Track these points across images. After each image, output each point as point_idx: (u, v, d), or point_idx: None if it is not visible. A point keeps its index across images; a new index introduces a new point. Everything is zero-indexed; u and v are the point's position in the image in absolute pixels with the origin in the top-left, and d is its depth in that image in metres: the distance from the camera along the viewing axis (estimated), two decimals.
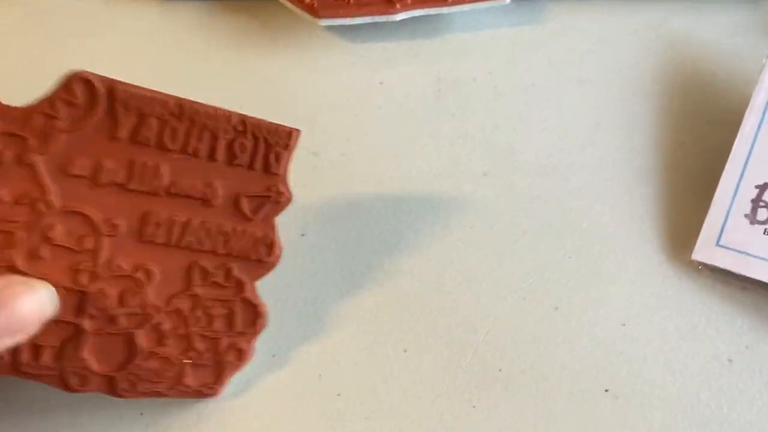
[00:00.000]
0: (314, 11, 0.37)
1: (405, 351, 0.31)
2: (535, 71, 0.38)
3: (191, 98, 0.26)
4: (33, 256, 0.25)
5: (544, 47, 0.38)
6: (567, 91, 0.37)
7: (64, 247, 0.25)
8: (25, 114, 0.25)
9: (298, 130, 0.27)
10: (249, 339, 0.28)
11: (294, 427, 0.29)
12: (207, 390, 0.28)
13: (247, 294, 0.28)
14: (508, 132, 0.36)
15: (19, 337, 0.24)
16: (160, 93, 0.26)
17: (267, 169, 0.27)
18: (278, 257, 0.28)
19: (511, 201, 0.34)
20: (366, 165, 0.36)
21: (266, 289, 0.29)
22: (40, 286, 0.24)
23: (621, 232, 0.32)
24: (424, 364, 0.30)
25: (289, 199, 0.28)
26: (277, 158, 0.27)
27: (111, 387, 0.27)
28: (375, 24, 0.38)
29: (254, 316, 0.28)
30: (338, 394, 0.29)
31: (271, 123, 0.27)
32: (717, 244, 0.31)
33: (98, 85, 0.25)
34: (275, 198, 0.27)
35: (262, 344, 0.30)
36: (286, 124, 0.27)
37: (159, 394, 0.28)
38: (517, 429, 0.28)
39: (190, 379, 0.28)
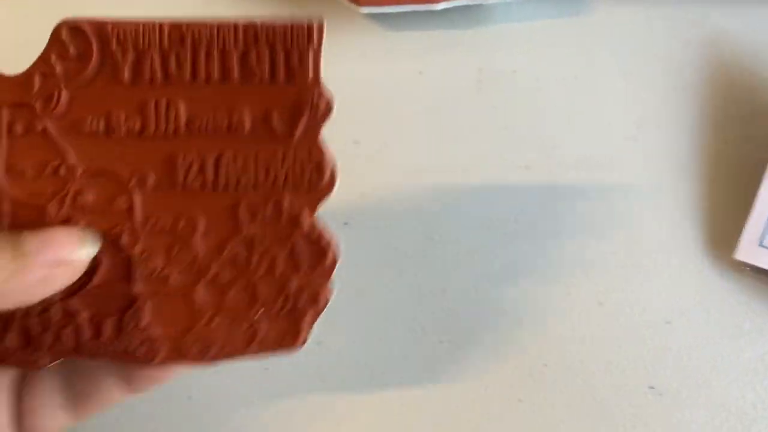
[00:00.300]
0: None
1: (447, 342, 0.31)
2: (577, 64, 0.38)
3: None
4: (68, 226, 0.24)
5: (585, 40, 0.38)
6: (609, 84, 0.37)
7: (96, 212, 0.24)
8: (24, 79, 0.23)
9: (320, 24, 0.24)
10: (322, 278, 0.25)
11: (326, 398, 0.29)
12: (287, 342, 0.25)
13: (306, 227, 0.24)
14: (550, 125, 0.36)
15: (66, 276, 0.23)
16: (153, 21, 0.23)
17: (292, 75, 0.24)
18: (333, 179, 0.24)
19: (553, 195, 0.34)
20: (407, 155, 0.36)
21: None
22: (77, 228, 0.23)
23: (664, 229, 0.32)
24: (468, 355, 0.30)
25: (329, 105, 0.24)
26: (301, 60, 0.23)
27: (181, 354, 0.25)
28: (415, 13, 0.38)
29: (320, 249, 0.24)
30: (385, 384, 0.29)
31: (285, 22, 0.23)
32: (760, 244, 0.31)
33: (86, 29, 0.23)
34: (311, 106, 0.24)
35: None
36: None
37: (236, 355, 0.25)
38: (562, 424, 0.28)
39: (266, 333, 0.25)
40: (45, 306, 0.24)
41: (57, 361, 0.25)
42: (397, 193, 0.34)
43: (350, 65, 0.39)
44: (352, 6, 0.38)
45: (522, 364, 0.29)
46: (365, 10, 0.38)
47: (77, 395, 0.26)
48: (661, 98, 0.37)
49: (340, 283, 0.32)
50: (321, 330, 0.30)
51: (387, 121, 0.37)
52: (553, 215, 0.33)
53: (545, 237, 0.33)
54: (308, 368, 0.31)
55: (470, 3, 0.39)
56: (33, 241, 0.22)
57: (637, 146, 0.35)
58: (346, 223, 0.33)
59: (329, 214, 0.31)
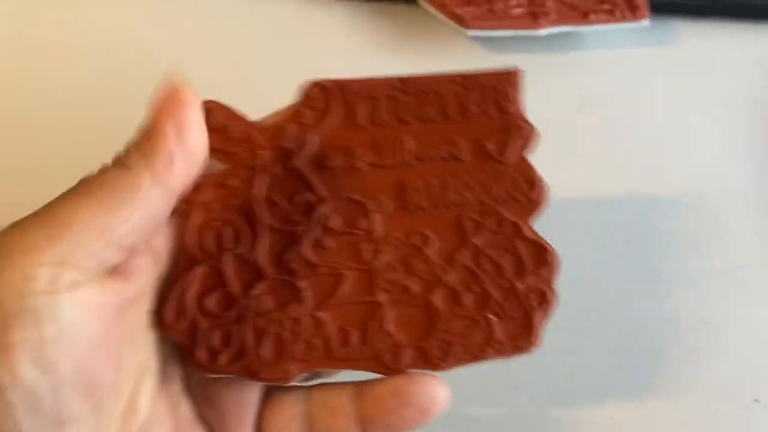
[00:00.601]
0: (464, 22, 0.39)
1: (573, 353, 0.32)
2: (672, 91, 0.40)
3: None
4: (318, 246, 0.27)
5: (679, 69, 0.39)
6: (702, 111, 0.39)
7: (342, 232, 0.27)
8: (280, 126, 0.27)
9: (520, 69, 0.28)
10: (546, 279, 0.27)
11: None
12: (523, 343, 0.27)
13: (526, 234, 0.27)
14: (651, 150, 0.38)
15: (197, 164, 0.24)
16: (382, 77, 0.28)
17: (501, 110, 0.28)
18: (544, 192, 0.27)
19: (659, 217, 0.35)
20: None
21: None
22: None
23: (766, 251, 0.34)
24: (590, 363, 0.32)
25: (532, 130, 0.28)
26: (507, 97, 0.28)
27: (424, 357, 0.27)
28: (519, 37, 0.40)
29: (543, 252, 0.27)
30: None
31: (492, 70, 0.28)
32: None
33: (331, 86, 0.28)
34: (518, 132, 0.28)
35: None
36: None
37: (475, 357, 0.27)
38: None
39: (501, 334, 0.27)
40: (296, 318, 0.26)
41: (305, 373, 0.26)
42: None
43: None
44: (461, 29, 0.40)
45: (631, 375, 0.32)
46: (472, 33, 0.40)
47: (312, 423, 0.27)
48: (754, 124, 0.38)
49: None
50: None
51: None
52: (660, 236, 0.35)
53: (652, 256, 0.34)
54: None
55: (570, 30, 0.41)
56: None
57: (738, 172, 0.37)
58: None
59: None
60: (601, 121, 0.39)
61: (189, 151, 0.23)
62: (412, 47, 0.41)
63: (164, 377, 0.26)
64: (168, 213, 0.23)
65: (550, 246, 0.27)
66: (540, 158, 0.36)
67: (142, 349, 0.25)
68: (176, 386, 0.26)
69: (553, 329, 0.30)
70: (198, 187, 0.26)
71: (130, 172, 0.22)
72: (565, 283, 0.31)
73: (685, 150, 0.38)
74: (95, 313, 0.21)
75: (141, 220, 0.22)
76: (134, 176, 0.22)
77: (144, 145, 0.22)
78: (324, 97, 0.28)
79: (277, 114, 0.28)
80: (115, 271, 0.22)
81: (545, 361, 0.31)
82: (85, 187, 0.22)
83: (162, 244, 0.25)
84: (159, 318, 0.26)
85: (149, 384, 0.25)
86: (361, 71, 0.40)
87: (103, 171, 0.22)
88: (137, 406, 0.24)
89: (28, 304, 0.20)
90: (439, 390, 0.25)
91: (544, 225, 0.33)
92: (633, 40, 0.41)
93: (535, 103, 0.38)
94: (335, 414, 0.26)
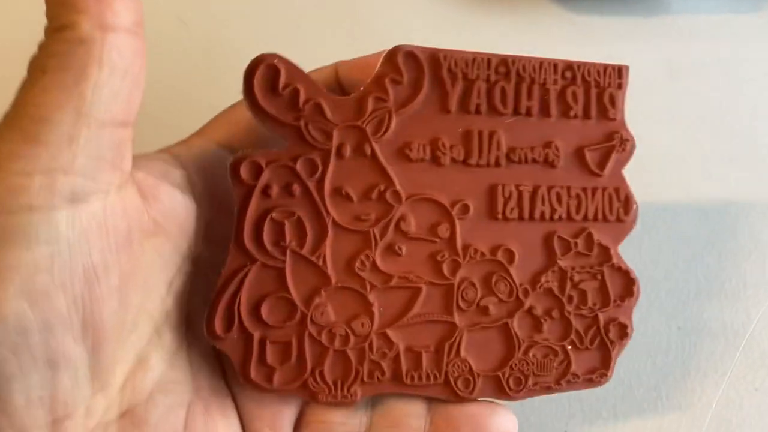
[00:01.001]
0: None
1: (679, 328, 0.30)
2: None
3: None
4: (390, 252, 0.24)
5: None
6: None
7: (419, 238, 0.24)
8: (357, 102, 0.23)
9: (627, 66, 0.25)
10: (627, 311, 0.25)
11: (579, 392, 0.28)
12: (597, 377, 0.25)
13: (615, 259, 0.25)
14: (750, 119, 0.36)
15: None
16: (481, 53, 0.24)
17: (604, 114, 0.25)
18: (636, 214, 0.25)
19: (764, 190, 0.34)
20: None
21: None
22: None
23: None
24: (701, 341, 0.30)
25: (634, 146, 0.25)
26: (612, 101, 0.25)
27: (498, 387, 0.24)
28: None
29: (626, 283, 0.25)
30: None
31: (598, 63, 0.25)
32: None
33: (420, 55, 0.23)
34: (619, 145, 0.25)
35: None
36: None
37: (549, 390, 0.25)
38: None
39: (577, 367, 0.25)
40: (363, 336, 0.23)
41: (369, 396, 0.24)
42: None
43: (536, 48, 0.38)
44: None
45: (754, 353, 0.29)
46: None
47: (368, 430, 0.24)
48: None
49: None
50: None
51: None
52: (766, 207, 0.33)
53: (761, 231, 0.32)
54: None
55: None
56: None
57: None
58: None
59: None
60: (692, 89, 0.37)
61: None
62: (494, 8, 0.39)
63: (189, 336, 0.23)
64: (140, 62, 0.19)
65: (635, 276, 0.25)
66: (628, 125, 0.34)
67: (159, 299, 0.22)
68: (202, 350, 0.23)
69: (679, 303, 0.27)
70: (258, 166, 0.22)
71: (69, 30, 0.18)
72: (659, 252, 0.29)
73: None
74: (100, 234, 0.18)
75: (113, 78, 0.18)
76: (74, 31, 0.18)
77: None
78: (413, 69, 0.24)
79: (350, 67, 0.24)
80: (132, 190, 0.20)
81: None
82: (37, 70, 0.18)
83: (201, 186, 0.22)
84: (206, 326, 0.22)
85: (167, 340, 0.22)
86: (434, 31, 0.37)
87: (43, 45, 0.18)
88: (149, 361, 0.21)
89: (17, 222, 0.17)
90: (511, 423, 0.24)
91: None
92: (719, 6, 0.38)
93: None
94: (399, 425, 0.24)
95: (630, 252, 0.32)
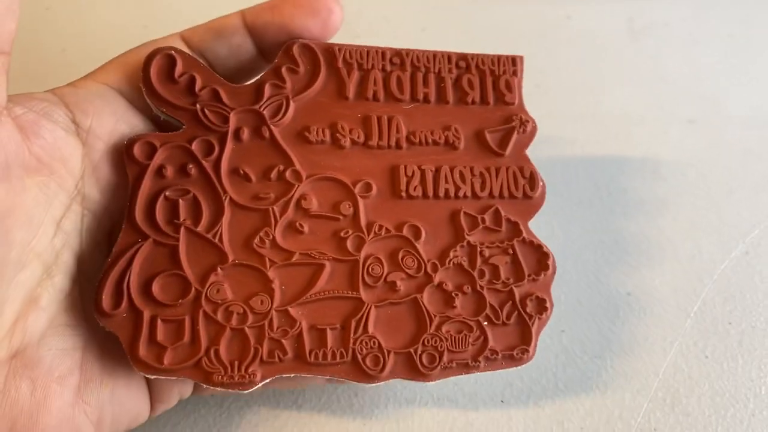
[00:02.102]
0: None
1: (628, 294, 0.28)
2: (731, 21, 0.36)
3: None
4: (292, 229, 0.23)
5: None
6: (765, 42, 0.35)
7: (321, 216, 0.24)
8: (254, 88, 0.24)
9: (521, 56, 0.26)
10: (544, 285, 0.25)
11: None
12: (518, 354, 0.24)
13: (525, 234, 0.25)
14: (710, 81, 0.35)
15: None
16: (376, 46, 0.25)
17: (501, 99, 0.26)
18: (544, 190, 0.25)
19: (723, 152, 0.32)
20: (563, 98, 0.34)
21: None
22: None
23: None
24: (650, 307, 0.28)
25: (534, 127, 0.26)
26: (508, 87, 0.26)
27: (411, 365, 0.23)
28: None
29: (540, 257, 0.25)
30: (562, 331, 0.27)
31: (492, 54, 0.26)
32: None
33: (315, 48, 0.24)
34: (519, 127, 0.26)
35: None
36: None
37: (467, 368, 0.24)
38: (751, 382, 0.26)
39: (495, 343, 0.24)
40: (263, 314, 0.22)
41: (269, 380, 0.22)
42: (558, 137, 0.32)
43: (498, 6, 0.37)
44: None
45: (705, 320, 0.27)
46: None
47: None
48: None
49: None
50: None
51: (538, 63, 0.34)
52: (726, 173, 0.31)
53: (719, 194, 0.31)
54: None
55: None
56: None
57: None
58: None
59: None
60: (655, 50, 0.35)
61: None
62: None
63: (82, 280, 0.22)
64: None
65: (549, 250, 0.25)
66: (589, 84, 0.33)
67: (47, 238, 0.21)
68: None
69: (629, 268, 0.26)
70: (152, 147, 0.23)
71: None
72: (621, 214, 0.28)
73: (750, 85, 0.34)
74: None
75: None
76: None
77: None
78: (309, 60, 0.24)
79: (257, 11, 0.24)
80: (8, 122, 0.19)
81: (602, 299, 0.29)
82: None
83: (87, 126, 0.22)
84: (94, 303, 0.22)
85: (59, 281, 0.21)
86: None
87: None
88: (39, 302, 0.21)
89: None
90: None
91: (595, 154, 0.30)
92: None
93: (579, 26, 0.34)
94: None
95: (580, 212, 0.30)
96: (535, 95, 0.34)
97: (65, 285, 0.22)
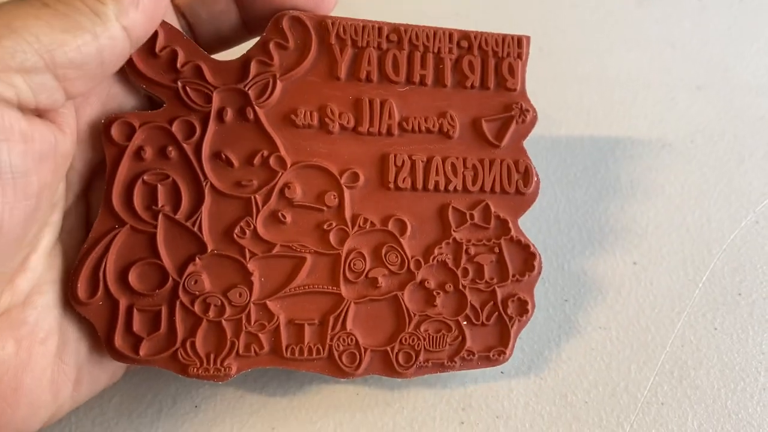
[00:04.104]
0: None
1: (635, 263, 0.27)
2: None
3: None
4: (274, 220, 0.22)
5: None
6: None
7: (305, 206, 0.23)
8: (240, 64, 0.22)
9: (528, 37, 0.24)
10: (527, 286, 0.24)
11: None
12: (495, 355, 0.24)
13: (513, 233, 0.24)
14: (719, 47, 0.33)
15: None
16: (373, 21, 0.23)
17: (503, 85, 0.24)
18: (537, 186, 0.24)
19: (733, 119, 0.31)
20: (568, 62, 0.32)
21: None
22: None
23: None
24: (657, 277, 0.27)
25: (535, 117, 0.24)
26: (511, 71, 0.24)
27: (387, 363, 0.23)
28: None
29: (526, 257, 0.24)
30: (565, 300, 0.26)
31: (497, 33, 0.24)
32: None
33: (307, 21, 0.22)
34: (519, 116, 0.24)
35: None
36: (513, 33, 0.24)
37: (442, 367, 0.23)
38: (761, 354, 0.25)
39: (473, 344, 0.23)
40: (241, 307, 0.22)
41: (246, 370, 0.22)
42: (562, 102, 0.31)
43: None
44: None
45: (714, 291, 0.26)
46: None
47: None
48: None
49: None
50: None
51: (542, 25, 0.33)
52: (736, 140, 0.30)
53: (729, 162, 0.29)
54: None
55: None
56: None
57: None
58: None
59: None
60: (663, 15, 0.34)
61: None
62: None
63: (62, 235, 0.22)
64: (118, 64, 0.20)
65: (536, 250, 0.24)
66: (595, 48, 0.31)
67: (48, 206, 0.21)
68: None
69: (634, 236, 0.26)
70: (130, 127, 0.21)
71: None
72: (628, 182, 0.26)
73: (759, 53, 0.33)
74: (20, 144, 0.18)
75: (93, 52, 0.18)
76: (99, 2, 0.19)
77: None
78: (299, 34, 0.23)
79: None
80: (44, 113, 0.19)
81: (611, 269, 0.28)
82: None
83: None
84: (69, 290, 0.21)
85: (45, 241, 0.21)
86: None
87: None
88: (29, 262, 0.20)
89: None
90: None
91: (600, 118, 0.29)
92: None
93: None
94: None
95: (585, 179, 0.29)
96: (538, 58, 0.32)
97: (50, 243, 0.21)
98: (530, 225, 0.28)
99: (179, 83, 0.22)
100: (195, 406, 0.24)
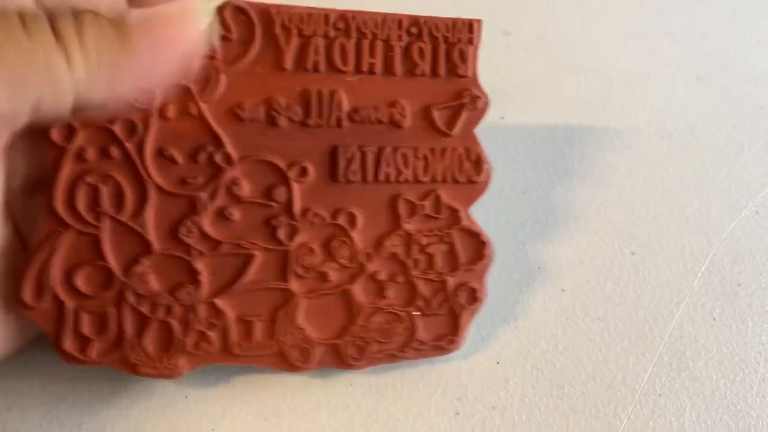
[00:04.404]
0: None
1: (633, 254, 0.27)
2: None
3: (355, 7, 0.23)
4: (221, 217, 0.22)
5: None
6: None
7: (252, 202, 0.22)
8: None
9: (479, 20, 0.24)
10: (479, 275, 0.24)
11: (516, 318, 0.25)
12: (446, 344, 0.24)
13: (464, 222, 0.24)
14: (718, 37, 0.33)
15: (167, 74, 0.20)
16: (319, 8, 0.23)
17: (453, 71, 0.24)
18: (489, 174, 0.24)
19: (732, 109, 0.31)
20: (565, 51, 0.32)
21: None
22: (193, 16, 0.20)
23: None
24: (655, 267, 0.26)
25: (486, 104, 0.24)
26: (462, 57, 0.24)
27: (337, 357, 0.23)
28: None
29: (478, 246, 0.24)
30: (562, 290, 0.25)
31: (447, 18, 0.24)
32: None
33: (251, 10, 0.22)
34: (470, 103, 0.24)
35: None
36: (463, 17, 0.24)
37: (393, 358, 0.24)
38: (761, 345, 0.25)
39: (423, 333, 0.24)
40: (188, 306, 0.22)
41: (196, 367, 0.23)
42: (557, 92, 0.30)
43: None
44: None
45: (714, 281, 0.26)
46: None
47: None
48: None
49: (502, 181, 0.28)
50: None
51: (540, 13, 0.33)
52: (735, 130, 0.30)
53: (729, 152, 0.29)
54: None
55: None
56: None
57: None
58: (502, 117, 0.29)
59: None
60: (661, 5, 0.33)
61: (144, 67, 0.19)
62: None
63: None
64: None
65: (488, 238, 0.24)
66: (593, 38, 0.31)
67: None
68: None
69: (633, 226, 0.25)
70: (71, 129, 0.21)
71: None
72: (626, 171, 0.26)
73: (760, 43, 0.33)
74: None
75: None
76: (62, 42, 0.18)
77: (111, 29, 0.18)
78: (243, 25, 0.22)
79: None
80: None
81: (608, 259, 0.28)
82: None
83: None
84: (16, 295, 0.21)
85: None
86: None
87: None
88: None
89: None
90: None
91: (597, 110, 0.28)
92: None
93: None
94: None
95: (582, 169, 0.29)
96: (536, 48, 0.32)
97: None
98: (527, 216, 0.28)
99: None
100: (185, 396, 0.24)
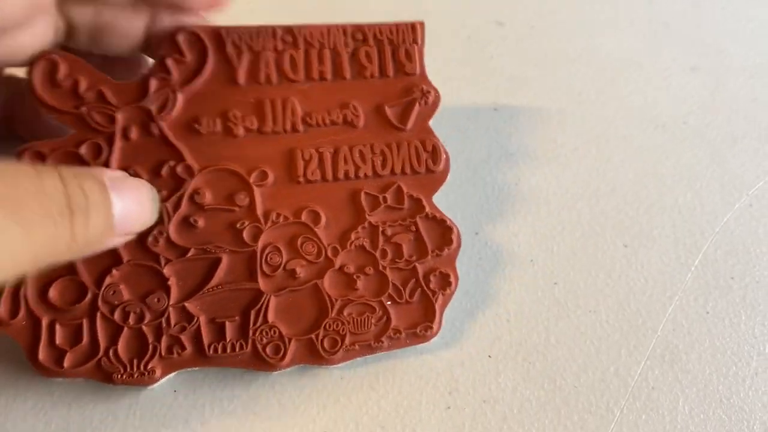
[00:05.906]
0: None
1: (625, 246, 0.27)
2: None
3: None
4: (186, 225, 0.23)
5: None
6: None
7: (216, 209, 0.23)
8: (139, 84, 0.23)
9: (421, 22, 0.25)
10: (448, 260, 0.25)
11: (508, 310, 0.25)
12: (422, 331, 0.24)
13: (428, 210, 0.25)
14: (713, 28, 0.33)
15: (123, 235, 0.21)
16: (267, 25, 0.24)
17: (401, 70, 0.25)
18: (447, 163, 0.25)
19: (727, 100, 0.30)
20: (558, 41, 0.32)
21: (457, 169, 0.27)
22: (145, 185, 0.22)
23: None
24: (648, 260, 0.26)
25: (438, 97, 0.25)
26: (409, 57, 0.25)
27: (312, 351, 0.23)
28: None
29: (443, 232, 0.25)
30: (555, 283, 0.25)
31: (390, 23, 0.25)
32: None
33: (202, 34, 0.24)
34: (421, 98, 0.25)
35: (465, 226, 0.27)
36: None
37: (370, 349, 0.24)
38: (754, 339, 0.24)
39: (398, 322, 0.24)
40: (159, 312, 0.23)
41: (172, 375, 0.23)
42: (551, 82, 0.30)
43: None
44: None
45: (707, 275, 0.26)
46: None
47: None
48: None
49: (488, 169, 0.28)
50: (478, 221, 0.26)
51: (533, 3, 0.32)
52: (729, 122, 0.29)
53: (722, 143, 0.29)
54: None
55: None
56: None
57: None
58: (495, 109, 0.28)
59: (479, 93, 0.27)
60: None
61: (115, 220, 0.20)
62: None
63: None
64: None
65: (454, 224, 0.25)
66: (585, 28, 0.31)
67: None
68: None
69: (625, 218, 0.25)
70: (41, 156, 0.22)
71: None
72: (618, 163, 0.26)
73: (754, 34, 0.32)
74: None
75: None
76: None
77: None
78: (196, 48, 0.24)
79: None
80: None
81: (600, 248, 0.28)
82: None
83: None
84: None
85: None
86: None
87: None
88: None
89: None
90: None
91: (590, 99, 0.28)
92: None
93: None
94: None
95: (575, 160, 0.29)
96: (529, 38, 0.32)
97: None
98: (519, 207, 0.28)
99: (84, 109, 0.23)
100: (174, 390, 0.24)
